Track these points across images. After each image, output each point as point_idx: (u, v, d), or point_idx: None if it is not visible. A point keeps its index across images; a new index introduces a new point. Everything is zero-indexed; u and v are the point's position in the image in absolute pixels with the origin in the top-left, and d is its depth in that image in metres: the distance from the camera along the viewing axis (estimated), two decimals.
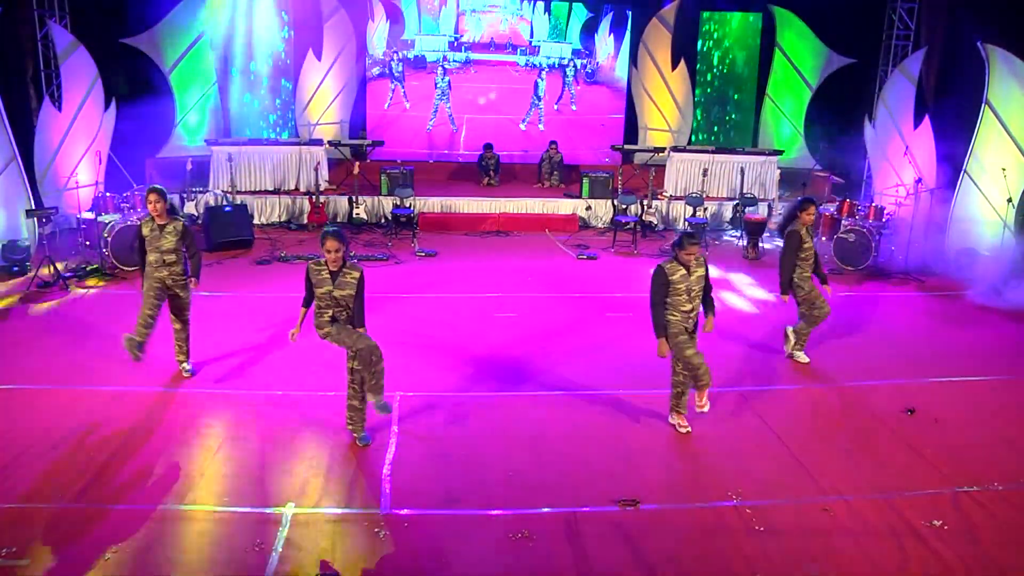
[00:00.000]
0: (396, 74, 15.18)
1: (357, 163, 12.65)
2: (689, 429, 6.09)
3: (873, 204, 11.29)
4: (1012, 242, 10.29)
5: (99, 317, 8.29)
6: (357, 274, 5.41)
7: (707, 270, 5.91)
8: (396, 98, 15.30)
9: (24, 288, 9.06)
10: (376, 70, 15.12)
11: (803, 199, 7.25)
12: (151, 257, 6.48)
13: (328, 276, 5.36)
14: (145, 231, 6.46)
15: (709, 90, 15.89)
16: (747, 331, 8.36)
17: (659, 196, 13.62)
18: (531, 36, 15.66)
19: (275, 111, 14.49)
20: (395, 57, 15.11)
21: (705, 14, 15.52)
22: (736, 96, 15.80)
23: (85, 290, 9.18)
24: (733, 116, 15.88)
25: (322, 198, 12.60)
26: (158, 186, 6.54)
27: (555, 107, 15.77)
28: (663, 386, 6.26)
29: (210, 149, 12.94)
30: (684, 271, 5.74)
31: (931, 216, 11.28)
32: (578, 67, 15.73)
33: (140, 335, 6.44)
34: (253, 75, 14.17)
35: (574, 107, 15.82)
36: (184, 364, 6.87)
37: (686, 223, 12.46)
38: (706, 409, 5.95)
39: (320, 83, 14.77)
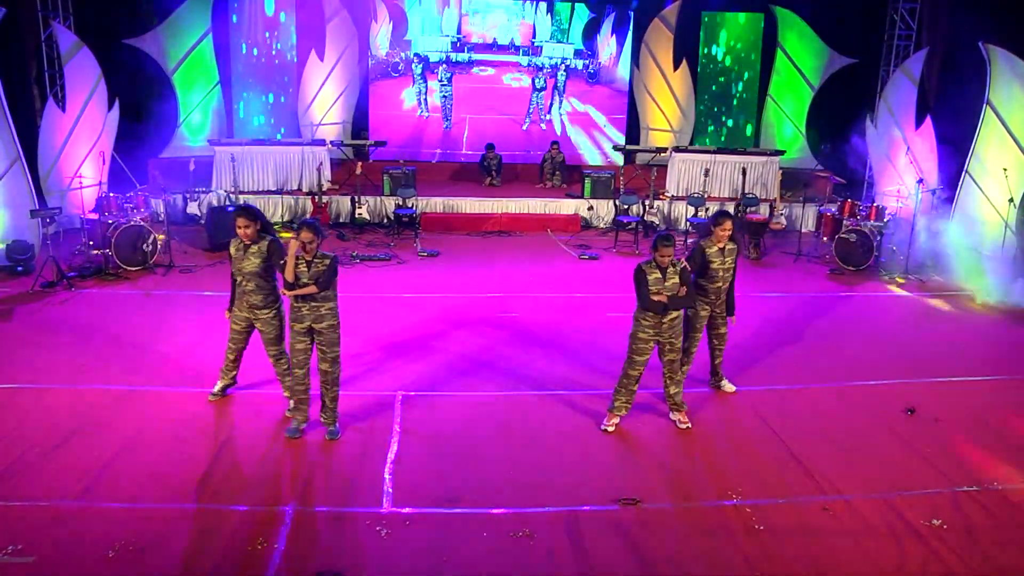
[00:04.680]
0: (418, 77, 15.21)
1: (359, 163, 12.68)
2: (689, 425, 6.15)
3: (874, 204, 11.30)
4: (1013, 242, 10.30)
5: (102, 317, 8.33)
6: (328, 261, 5.53)
7: (685, 282, 5.76)
8: (431, 107, 15.38)
9: (28, 288, 9.10)
10: (372, 64, 15.16)
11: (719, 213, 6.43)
12: (237, 279, 5.95)
13: (304, 267, 5.48)
14: (232, 250, 5.92)
15: (712, 89, 15.90)
16: (745, 331, 8.37)
17: (661, 196, 13.64)
18: (533, 36, 15.69)
19: (277, 111, 14.52)
20: (414, 60, 15.12)
21: (706, 14, 15.53)
22: (737, 96, 15.80)
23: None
24: (734, 116, 15.90)
25: (324, 198, 12.63)
26: (249, 207, 5.93)
27: (547, 117, 15.76)
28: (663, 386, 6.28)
29: (213, 149, 12.98)
30: (659, 274, 5.75)
31: (932, 216, 11.28)
32: (566, 78, 15.70)
33: (221, 378, 6.33)
34: (255, 75, 14.20)
35: (559, 112, 15.80)
36: (220, 384, 6.38)
37: (688, 223, 12.47)
38: (609, 428, 6.05)
39: (323, 83, 14.82)
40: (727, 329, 6.67)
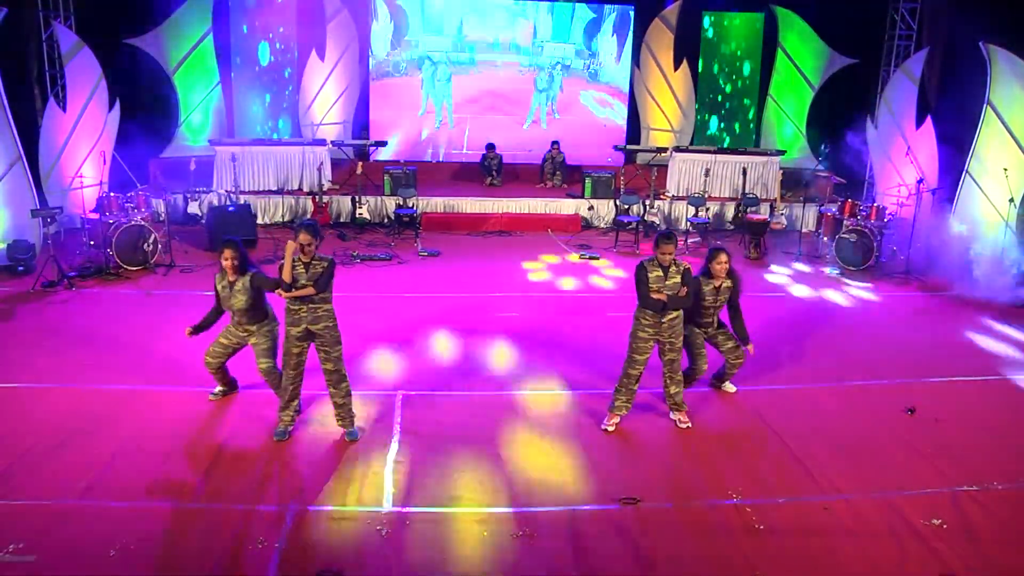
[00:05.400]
0: (427, 80, 15.20)
1: (360, 163, 12.68)
2: (689, 424, 6.15)
3: (875, 204, 11.29)
4: (1013, 243, 10.29)
5: (103, 316, 8.34)
6: (325, 263, 5.58)
7: (687, 283, 5.75)
8: (429, 107, 15.35)
9: (29, 287, 9.11)
10: (379, 70, 15.16)
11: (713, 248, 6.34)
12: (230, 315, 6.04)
13: (303, 269, 5.52)
14: (218, 286, 5.97)
15: (713, 89, 15.91)
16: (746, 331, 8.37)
17: (661, 196, 13.65)
18: (534, 36, 15.69)
19: (278, 111, 14.53)
20: (426, 62, 15.12)
21: (707, 14, 15.54)
22: (738, 96, 15.80)
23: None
24: (734, 115, 15.91)
25: (325, 198, 12.63)
26: (234, 239, 5.96)
27: (543, 124, 15.77)
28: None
29: (214, 149, 12.99)
30: (660, 273, 5.76)
31: (933, 216, 11.28)
32: (560, 77, 15.69)
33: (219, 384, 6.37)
34: (256, 75, 14.21)
35: (556, 115, 15.80)
36: (219, 387, 6.44)
37: (688, 223, 12.48)
38: (609, 428, 6.04)
39: (323, 83, 14.81)
40: (735, 343, 6.54)
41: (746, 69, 15.57)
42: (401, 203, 12.51)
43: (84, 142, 11.35)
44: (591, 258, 11.32)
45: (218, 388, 6.38)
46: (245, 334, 6.02)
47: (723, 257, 6.17)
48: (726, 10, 15.39)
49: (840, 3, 14.35)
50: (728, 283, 6.28)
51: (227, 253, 5.81)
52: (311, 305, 5.56)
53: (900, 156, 12.26)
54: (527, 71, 15.70)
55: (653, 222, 12.94)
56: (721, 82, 15.75)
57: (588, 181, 13.59)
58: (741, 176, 13.36)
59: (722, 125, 15.89)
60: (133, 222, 9.97)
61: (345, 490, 5.19)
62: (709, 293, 6.25)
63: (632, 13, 15.62)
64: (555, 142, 14.87)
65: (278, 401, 5.89)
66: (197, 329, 6.08)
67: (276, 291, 5.61)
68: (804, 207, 13.19)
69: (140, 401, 6.33)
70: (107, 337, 7.69)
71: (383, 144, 14.44)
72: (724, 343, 6.55)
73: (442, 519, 4.90)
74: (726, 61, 15.63)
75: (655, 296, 5.71)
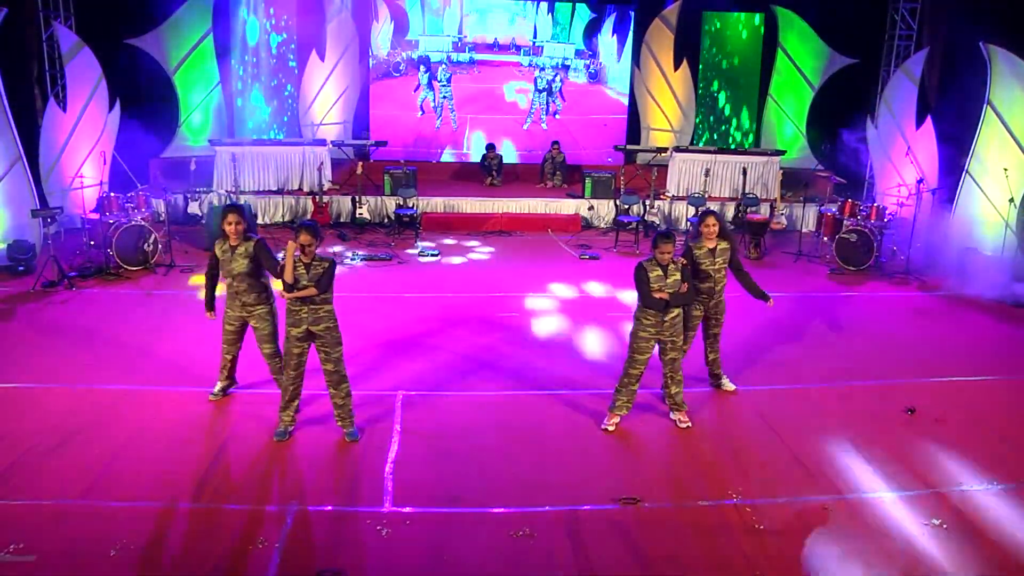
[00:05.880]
0: (424, 85, 15.21)
1: (360, 163, 12.69)
2: (689, 424, 6.15)
3: (875, 204, 11.29)
4: (1013, 242, 10.29)
5: (103, 316, 8.34)
6: (326, 263, 5.57)
7: (686, 279, 5.81)
8: (428, 107, 15.35)
9: (29, 287, 9.11)
10: (383, 68, 15.17)
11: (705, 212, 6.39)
12: (226, 282, 6.00)
13: (303, 270, 5.52)
14: (218, 252, 5.93)
15: (713, 89, 15.90)
16: (745, 331, 8.37)
17: (661, 196, 13.65)
18: (534, 37, 15.69)
19: (278, 111, 14.53)
20: (421, 67, 15.14)
21: (707, 14, 15.54)
22: (738, 96, 15.80)
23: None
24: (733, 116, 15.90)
25: (325, 198, 12.63)
26: (238, 204, 5.90)
27: (543, 124, 15.76)
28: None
29: (214, 149, 12.99)
30: (660, 272, 5.77)
31: (933, 216, 11.28)
32: (560, 84, 15.70)
33: (221, 379, 6.35)
34: (256, 75, 14.22)
35: (557, 116, 15.79)
36: (220, 384, 6.40)
37: (688, 223, 12.48)
38: (609, 428, 6.05)
39: (323, 83, 14.81)
40: (720, 330, 6.64)
41: (746, 69, 15.55)
42: (401, 203, 12.52)
43: (84, 142, 11.36)
44: (591, 258, 11.33)
45: (217, 387, 6.39)
46: (245, 314, 6.02)
47: (711, 220, 6.21)
48: (726, 10, 15.39)
49: (840, 3, 14.36)
50: (724, 244, 6.30)
51: (231, 217, 5.80)
52: (312, 306, 5.56)
53: (900, 156, 12.26)
54: (527, 71, 15.70)
55: (653, 222, 12.94)
56: (721, 82, 15.75)
57: (588, 181, 13.60)
58: (741, 176, 13.36)
59: (723, 128, 15.87)
60: (133, 222, 9.98)
61: (345, 490, 5.19)
62: (704, 256, 6.25)
63: (632, 13, 15.63)
64: (555, 142, 14.87)
65: (278, 401, 5.89)
66: (209, 303, 6.18)
67: (279, 293, 5.61)
68: (804, 207, 13.19)
69: (140, 401, 6.33)
70: (107, 337, 7.69)
71: (383, 144, 14.44)
72: (714, 327, 6.58)
73: (442, 519, 4.90)
74: (726, 61, 15.61)
75: (657, 295, 5.72)
